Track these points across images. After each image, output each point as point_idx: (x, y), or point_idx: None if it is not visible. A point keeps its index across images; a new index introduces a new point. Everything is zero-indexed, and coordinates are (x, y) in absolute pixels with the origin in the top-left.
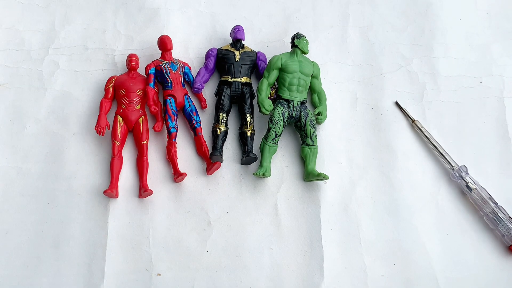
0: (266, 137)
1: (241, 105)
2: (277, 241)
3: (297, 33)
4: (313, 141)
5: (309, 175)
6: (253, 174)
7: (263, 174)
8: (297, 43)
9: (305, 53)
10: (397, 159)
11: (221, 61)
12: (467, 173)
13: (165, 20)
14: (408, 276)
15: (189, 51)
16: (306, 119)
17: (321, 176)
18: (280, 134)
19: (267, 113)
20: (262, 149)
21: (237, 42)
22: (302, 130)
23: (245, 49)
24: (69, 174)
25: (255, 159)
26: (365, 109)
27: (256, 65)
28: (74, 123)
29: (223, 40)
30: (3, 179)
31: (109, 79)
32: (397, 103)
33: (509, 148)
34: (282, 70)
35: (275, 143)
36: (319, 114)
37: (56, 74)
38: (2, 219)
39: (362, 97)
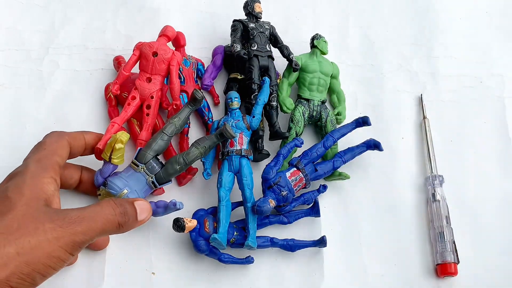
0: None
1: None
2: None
3: (316, 34)
4: None
5: (331, 175)
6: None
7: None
8: (316, 43)
9: (324, 54)
10: (397, 159)
11: (229, 59)
12: (441, 185)
13: (165, 20)
14: (408, 276)
15: (189, 51)
16: (326, 118)
17: (342, 176)
18: (301, 134)
19: (289, 111)
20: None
21: None
22: (322, 129)
23: None
24: None
25: (267, 155)
26: (365, 109)
27: None
28: (74, 122)
29: (224, 40)
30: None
31: (106, 88)
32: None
33: (509, 148)
34: (302, 70)
35: None
36: (338, 114)
37: (56, 74)
38: None
39: (362, 97)
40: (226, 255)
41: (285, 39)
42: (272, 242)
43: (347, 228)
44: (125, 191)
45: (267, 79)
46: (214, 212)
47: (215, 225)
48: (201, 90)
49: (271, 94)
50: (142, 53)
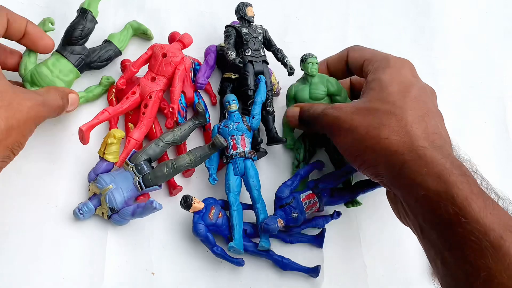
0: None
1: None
2: (277, 241)
3: (303, 55)
4: None
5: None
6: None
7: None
8: (302, 68)
9: (312, 76)
10: None
11: (222, 58)
12: None
13: (165, 20)
14: (408, 276)
15: (189, 51)
16: None
17: (354, 203)
18: (303, 160)
19: (290, 147)
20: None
21: None
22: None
23: None
24: (69, 174)
25: (265, 153)
26: None
27: None
28: (75, 124)
29: (223, 40)
30: (3, 179)
31: (109, 90)
32: None
33: (509, 148)
34: (295, 99)
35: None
36: None
37: None
38: (2, 219)
39: None
40: (220, 248)
41: (284, 39)
42: (268, 254)
43: (347, 228)
44: (110, 186)
45: (262, 77)
46: (223, 205)
47: (220, 215)
48: (198, 91)
49: (267, 99)
50: (153, 52)
